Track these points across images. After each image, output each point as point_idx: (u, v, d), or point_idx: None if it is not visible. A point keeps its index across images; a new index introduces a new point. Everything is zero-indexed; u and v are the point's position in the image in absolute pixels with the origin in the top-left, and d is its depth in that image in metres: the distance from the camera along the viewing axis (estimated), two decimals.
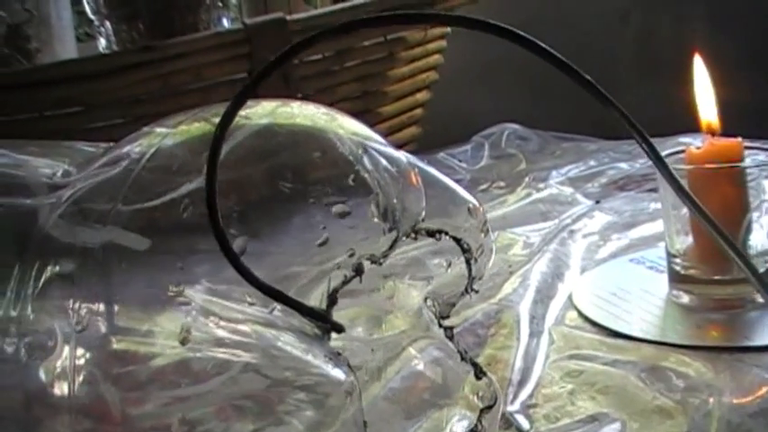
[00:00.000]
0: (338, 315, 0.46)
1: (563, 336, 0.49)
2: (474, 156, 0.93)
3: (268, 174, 0.32)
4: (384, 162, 0.32)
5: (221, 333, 0.31)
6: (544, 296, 0.54)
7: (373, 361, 0.40)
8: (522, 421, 0.41)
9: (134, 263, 0.31)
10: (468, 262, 0.36)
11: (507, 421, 0.41)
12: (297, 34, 0.79)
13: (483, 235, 0.36)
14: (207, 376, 0.31)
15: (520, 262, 0.60)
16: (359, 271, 0.31)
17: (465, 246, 0.35)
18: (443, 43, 0.95)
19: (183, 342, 0.30)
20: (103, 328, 0.31)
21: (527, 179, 0.82)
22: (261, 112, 0.34)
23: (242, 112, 0.32)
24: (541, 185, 0.78)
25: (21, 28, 0.85)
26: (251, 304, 0.30)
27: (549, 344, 0.48)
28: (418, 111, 0.94)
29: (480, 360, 0.46)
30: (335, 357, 0.30)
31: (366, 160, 0.32)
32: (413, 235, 0.33)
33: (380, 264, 0.32)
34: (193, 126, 0.34)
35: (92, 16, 0.83)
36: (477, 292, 0.37)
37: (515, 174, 0.85)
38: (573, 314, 0.52)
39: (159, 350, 0.31)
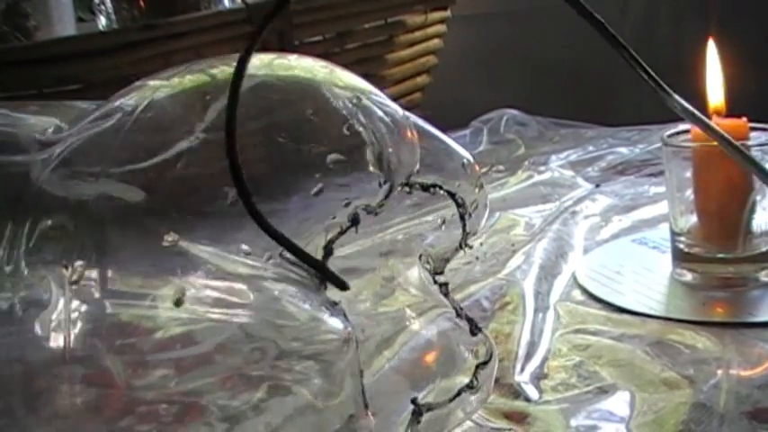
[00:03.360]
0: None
1: (568, 311, 0.49)
2: (472, 141, 0.93)
3: (263, 130, 0.32)
4: (379, 113, 0.32)
5: (219, 294, 0.30)
6: (548, 273, 0.54)
7: (379, 334, 0.40)
8: (531, 391, 0.41)
9: (128, 215, 0.31)
10: (462, 217, 0.35)
11: (516, 392, 0.41)
12: (297, 15, 0.79)
13: (477, 190, 0.36)
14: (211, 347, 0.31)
15: (522, 242, 0.60)
16: (355, 221, 0.31)
17: (459, 200, 0.35)
18: (443, 28, 0.95)
19: (178, 303, 0.30)
20: (98, 287, 0.30)
21: (526, 163, 0.82)
22: (257, 64, 0.33)
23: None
24: (542, 168, 0.79)
25: (19, 5, 0.85)
26: (247, 254, 0.30)
27: (555, 319, 0.48)
28: (417, 95, 0.94)
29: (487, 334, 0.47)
30: (332, 307, 0.30)
31: (360, 111, 0.32)
32: (407, 189, 0.33)
33: (376, 214, 0.32)
34: (186, 78, 0.33)
35: None
36: (470, 247, 0.37)
37: (514, 158, 0.86)
38: (577, 291, 0.52)
39: (157, 314, 0.31)
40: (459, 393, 0.35)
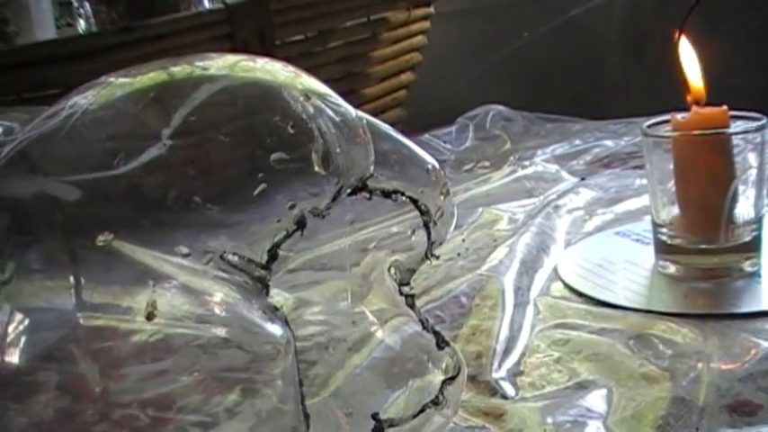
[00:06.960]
0: (323, 288, 0.46)
1: (548, 306, 0.48)
2: (458, 137, 0.92)
3: (205, 128, 0.31)
4: (329, 112, 0.31)
5: (188, 307, 0.29)
6: (529, 268, 0.53)
7: (356, 332, 0.40)
8: (508, 388, 0.40)
9: (65, 214, 0.30)
10: (426, 225, 0.34)
11: (493, 389, 0.40)
12: (278, 14, 0.78)
13: (442, 198, 0.34)
14: (187, 351, 0.30)
15: (505, 237, 0.59)
16: (300, 224, 0.30)
17: (423, 207, 0.33)
18: (427, 24, 0.94)
19: (149, 317, 0.29)
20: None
21: (512, 158, 0.81)
22: (220, 65, 0.32)
23: (200, 63, 0.31)
24: (526, 163, 0.78)
25: None
26: (185, 256, 0.28)
27: (535, 314, 0.48)
28: (402, 92, 0.93)
29: (465, 330, 0.46)
30: (272, 312, 0.29)
31: (309, 108, 0.30)
32: (367, 195, 0.32)
33: (323, 217, 0.31)
34: (147, 76, 0.32)
35: None
36: (437, 257, 0.36)
37: (500, 154, 0.85)
38: (558, 285, 0.51)
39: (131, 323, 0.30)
40: (423, 409, 0.34)
